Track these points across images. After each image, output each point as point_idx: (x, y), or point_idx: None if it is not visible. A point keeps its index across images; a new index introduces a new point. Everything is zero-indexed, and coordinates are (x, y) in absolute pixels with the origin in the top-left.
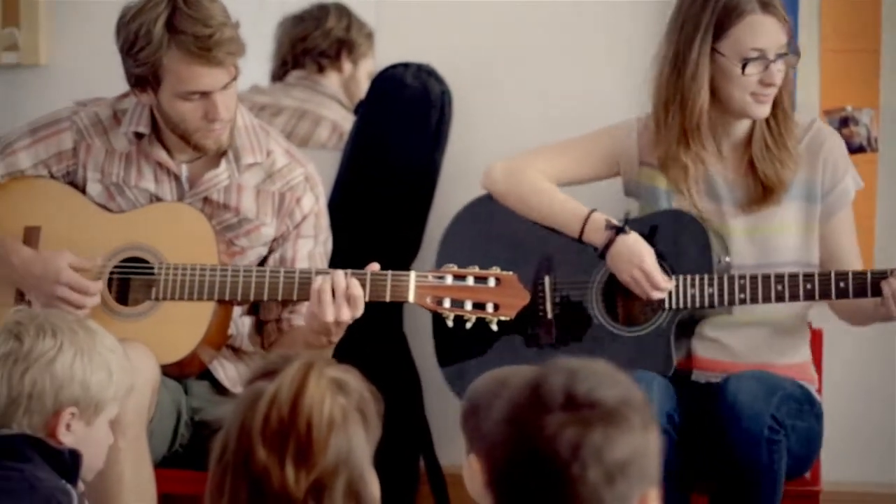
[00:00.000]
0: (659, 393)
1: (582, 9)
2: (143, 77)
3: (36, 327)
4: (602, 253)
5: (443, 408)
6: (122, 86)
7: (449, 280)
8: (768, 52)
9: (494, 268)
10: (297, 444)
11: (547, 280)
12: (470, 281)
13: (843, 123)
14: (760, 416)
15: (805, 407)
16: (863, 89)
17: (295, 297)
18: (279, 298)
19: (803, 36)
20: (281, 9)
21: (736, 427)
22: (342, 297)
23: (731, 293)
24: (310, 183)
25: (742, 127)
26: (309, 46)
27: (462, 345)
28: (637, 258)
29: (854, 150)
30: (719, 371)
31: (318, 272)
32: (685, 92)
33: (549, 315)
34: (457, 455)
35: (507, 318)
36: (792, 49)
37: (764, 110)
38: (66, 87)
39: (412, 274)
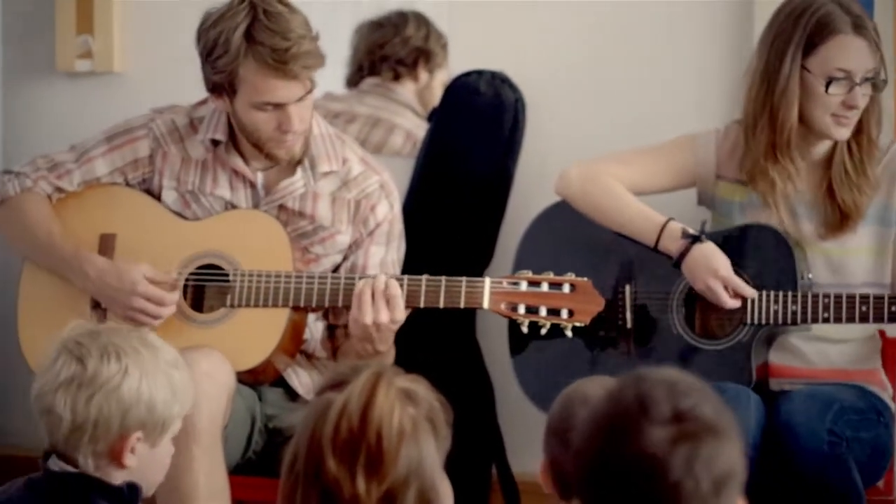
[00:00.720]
0: (755, 411)
1: (656, 15)
2: (220, 84)
3: (99, 350)
4: (677, 262)
5: (515, 415)
6: (196, 93)
7: (524, 286)
8: (854, 74)
9: (569, 274)
10: (368, 454)
11: (627, 289)
12: (545, 287)
13: None
14: (817, 433)
15: (870, 416)
16: None
17: None
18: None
19: None
20: (355, 14)
21: (795, 448)
22: (381, 298)
23: (815, 312)
24: (385, 191)
25: (822, 148)
26: (387, 53)
27: (539, 354)
28: (713, 267)
29: None
30: (794, 378)
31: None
32: (775, 106)
33: (629, 325)
34: (529, 463)
35: (582, 324)
36: (881, 77)
37: (843, 133)
38: (140, 94)
39: (487, 280)
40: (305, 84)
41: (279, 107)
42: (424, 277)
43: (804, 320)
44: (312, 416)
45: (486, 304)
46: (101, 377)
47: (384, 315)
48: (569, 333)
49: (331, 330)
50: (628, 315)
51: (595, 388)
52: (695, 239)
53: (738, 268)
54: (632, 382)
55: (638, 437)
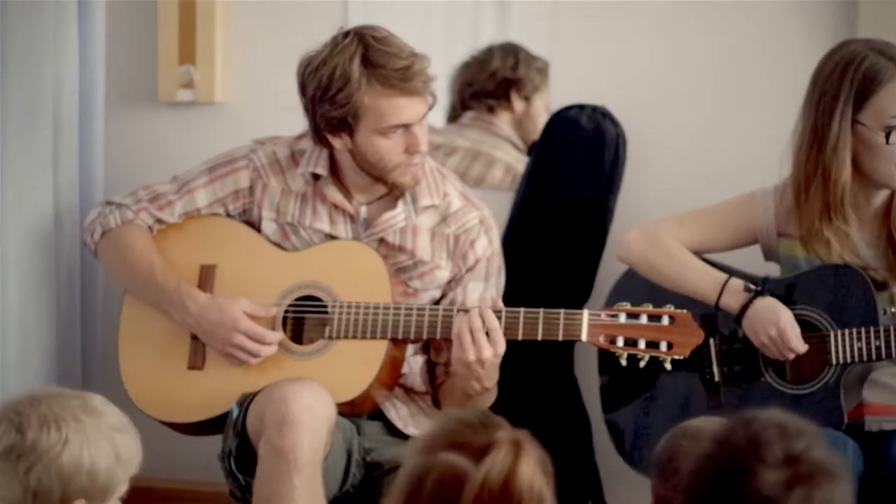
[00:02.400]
0: (853, 457)
1: (764, 52)
2: (341, 119)
3: (39, 418)
4: (738, 316)
5: (611, 451)
6: (298, 124)
7: (622, 318)
8: None
9: (668, 305)
10: None
11: (712, 342)
12: (643, 319)
13: None
14: None
15: None
16: None
17: None
18: (452, 337)
19: None
20: (446, 52)
21: None
22: (480, 334)
23: None
24: (484, 226)
25: (882, 195)
26: (475, 90)
27: (631, 413)
28: (773, 318)
29: None
30: (891, 415)
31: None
32: (827, 166)
33: (717, 378)
34: (625, 499)
35: (682, 357)
36: None
37: None
38: (242, 124)
39: (585, 312)
40: (427, 100)
41: (405, 128)
42: (522, 310)
43: (888, 355)
44: (436, 483)
45: (584, 337)
46: (41, 447)
47: (487, 351)
48: (668, 366)
49: (430, 365)
50: (715, 368)
51: (701, 425)
52: (757, 293)
53: (816, 309)
54: (741, 425)
55: (751, 479)
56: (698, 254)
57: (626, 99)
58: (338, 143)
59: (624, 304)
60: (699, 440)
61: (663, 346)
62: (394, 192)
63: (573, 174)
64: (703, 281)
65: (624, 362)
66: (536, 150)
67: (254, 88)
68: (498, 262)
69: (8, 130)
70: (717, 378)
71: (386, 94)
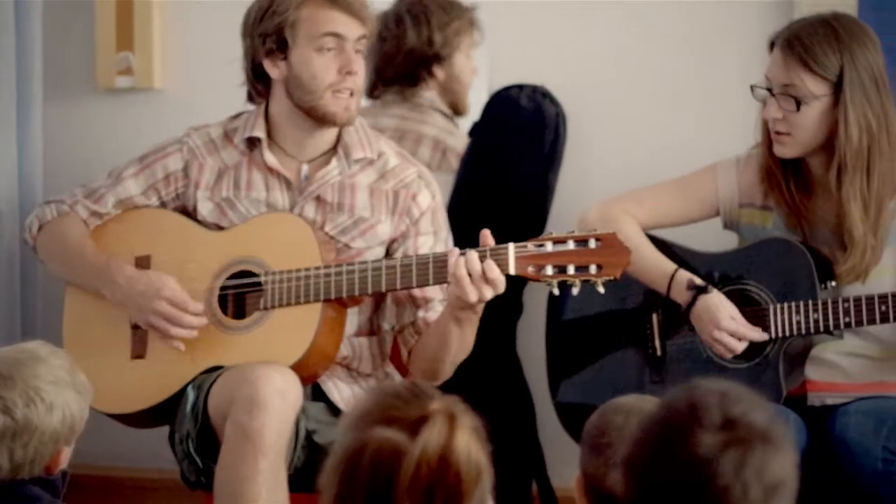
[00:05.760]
0: (795, 430)
1: (705, 26)
2: (278, 33)
3: (20, 395)
4: (686, 313)
5: (555, 429)
6: (237, 109)
7: (549, 246)
8: (773, 85)
9: (593, 229)
10: (446, 497)
11: (654, 318)
12: (570, 244)
13: None
14: (871, 450)
15: None
16: None
17: (398, 286)
18: (382, 290)
19: None
20: None
21: (849, 465)
22: (480, 280)
23: (836, 317)
24: (424, 180)
25: (817, 171)
26: (398, 70)
27: (575, 388)
28: (715, 319)
29: None
30: (834, 392)
31: (436, 257)
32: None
33: (659, 352)
34: (569, 476)
35: (612, 279)
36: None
37: (779, 149)
38: (181, 110)
39: (511, 246)
40: (363, 26)
41: (340, 43)
42: (456, 251)
43: (826, 328)
44: (372, 459)
45: (512, 270)
46: (33, 423)
47: (488, 293)
48: (600, 289)
49: (382, 341)
50: (657, 343)
51: (632, 402)
52: (700, 290)
53: (758, 283)
54: (684, 391)
55: (689, 441)
56: (662, 227)
57: (566, 78)
58: (274, 71)
59: (550, 233)
60: (630, 415)
61: (592, 269)
62: (327, 124)
63: (514, 154)
64: (654, 272)
65: (556, 291)
66: (477, 131)
67: (193, 74)
68: (444, 217)
69: None
70: (658, 353)
71: (322, 5)
